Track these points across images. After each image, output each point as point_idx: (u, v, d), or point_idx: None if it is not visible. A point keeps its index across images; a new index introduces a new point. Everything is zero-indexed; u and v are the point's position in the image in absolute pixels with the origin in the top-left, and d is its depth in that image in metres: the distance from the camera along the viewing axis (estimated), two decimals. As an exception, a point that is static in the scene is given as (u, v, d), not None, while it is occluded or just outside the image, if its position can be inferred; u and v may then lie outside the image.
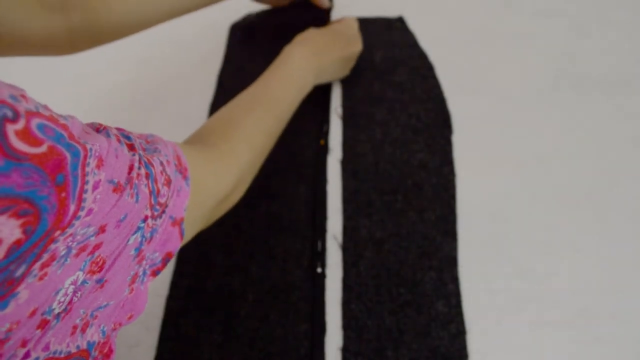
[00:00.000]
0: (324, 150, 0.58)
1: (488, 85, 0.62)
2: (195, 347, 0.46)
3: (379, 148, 0.57)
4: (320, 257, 0.50)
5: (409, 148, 0.57)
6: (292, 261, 0.50)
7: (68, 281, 0.24)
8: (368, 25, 0.68)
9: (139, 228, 0.28)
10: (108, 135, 0.28)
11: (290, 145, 0.57)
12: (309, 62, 0.55)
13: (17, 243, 0.21)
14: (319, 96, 0.61)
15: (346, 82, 0.64)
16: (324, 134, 0.59)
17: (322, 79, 0.59)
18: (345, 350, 0.45)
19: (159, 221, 0.30)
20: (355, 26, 0.62)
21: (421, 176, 0.55)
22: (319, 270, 0.49)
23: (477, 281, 0.48)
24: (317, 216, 0.53)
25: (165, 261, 0.32)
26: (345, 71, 0.62)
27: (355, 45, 0.61)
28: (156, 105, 0.66)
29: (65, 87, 0.69)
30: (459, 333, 0.45)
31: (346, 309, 0.47)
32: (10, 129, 0.20)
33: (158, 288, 0.50)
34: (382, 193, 0.54)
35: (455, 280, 0.48)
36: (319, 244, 0.51)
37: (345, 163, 0.57)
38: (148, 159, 0.30)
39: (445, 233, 0.51)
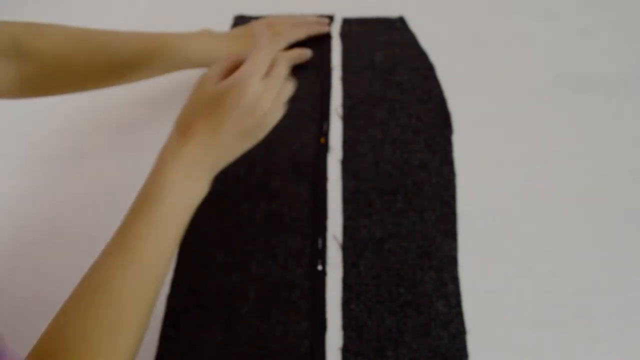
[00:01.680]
0: (324, 148, 0.58)
1: (488, 85, 0.62)
2: (196, 346, 0.46)
3: (379, 148, 0.57)
4: (320, 254, 0.50)
5: (409, 148, 0.57)
6: (292, 259, 0.50)
7: None
8: (368, 25, 0.68)
9: None
10: None
11: (290, 143, 0.58)
12: (195, 169, 0.41)
13: None
14: (318, 95, 0.61)
15: (346, 82, 0.63)
16: (324, 132, 0.59)
17: (223, 165, 0.45)
18: (345, 350, 0.45)
19: None
20: (252, 81, 0.43)
21: (421, 176, 0.55)
22: (320, 267, 0.49)
23: (477, 281, 0.48)
24: (317, 214, 0.53)
25: None
26: (253, 140, 0.46)
27: (258, 106, 0.44)
28: (156, 105, 0.66)
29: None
30: (459, 333, 0.45)
31: (346, 308, 0.47)
32: None
33: (158, 287, 0.50)
34: (382, 193, 0.54)
35: (455, 280, 0.48)
36: (320, 242, 0.51)
37: (346, 163, 0.57)
38: None
39: (445, 233, 0.51)
